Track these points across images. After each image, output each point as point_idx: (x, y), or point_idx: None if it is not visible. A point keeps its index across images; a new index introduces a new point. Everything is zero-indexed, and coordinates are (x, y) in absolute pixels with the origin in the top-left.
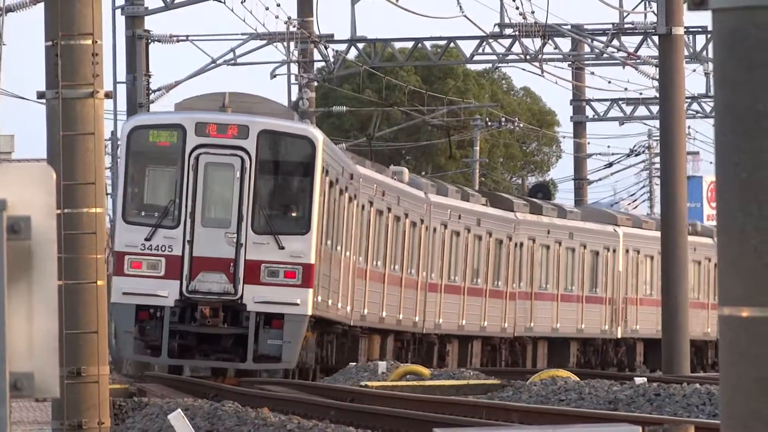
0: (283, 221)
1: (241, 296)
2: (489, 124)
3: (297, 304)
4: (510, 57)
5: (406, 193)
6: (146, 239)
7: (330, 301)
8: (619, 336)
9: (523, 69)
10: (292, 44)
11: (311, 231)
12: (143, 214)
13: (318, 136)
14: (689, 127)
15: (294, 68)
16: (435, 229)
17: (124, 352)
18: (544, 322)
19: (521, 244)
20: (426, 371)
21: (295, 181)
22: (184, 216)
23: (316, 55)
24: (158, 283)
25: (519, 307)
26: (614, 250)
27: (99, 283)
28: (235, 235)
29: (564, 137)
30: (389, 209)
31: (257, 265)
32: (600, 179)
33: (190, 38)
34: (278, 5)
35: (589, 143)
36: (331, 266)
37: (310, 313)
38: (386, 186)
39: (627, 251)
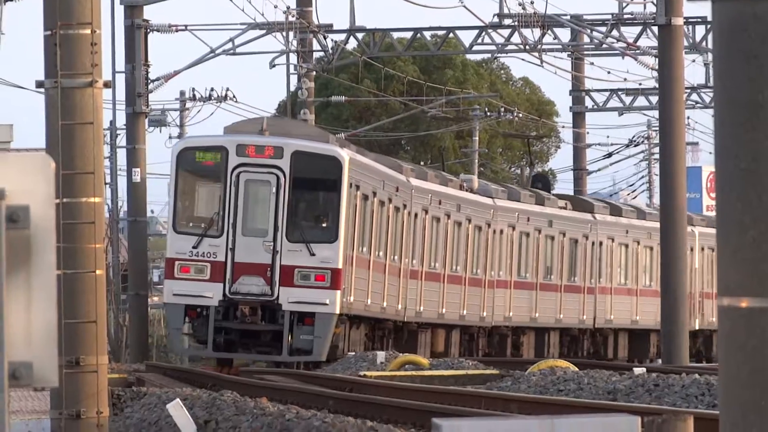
0: (313, 231)
1: (277, 297)
2: (488, 114)
3: (326, 304)
4: (509, 47)
5: (466, 200)
6: (194, 247)
7: (369, 301)
8: (697, 327)
9: (523, 59)
10: (291, 34)
11: (339, 239)
12: (191, 225)
13: (344, 155)
14: (688, 118)
15: (293, 58)
16: (502, 232)
17: (174, 347)
18: (624, 314)
19: (600, 243)
20: (425, 361)
21: (324, 195)
22: (226, 226)
23: (315, 45)
24: (204, 286)
25: (599, 300)
26: (691, 249)
27: (98, 272)
28: (272, 243)
29: (563, 127)
30: (448, 216)
31: (291, 270)
32: (599, 169)
33: (189, 28)
34: None
35: (588, 133)
36: (370, 270)
37: (338, 311)
38: (442, 195)
39: (702, 249)
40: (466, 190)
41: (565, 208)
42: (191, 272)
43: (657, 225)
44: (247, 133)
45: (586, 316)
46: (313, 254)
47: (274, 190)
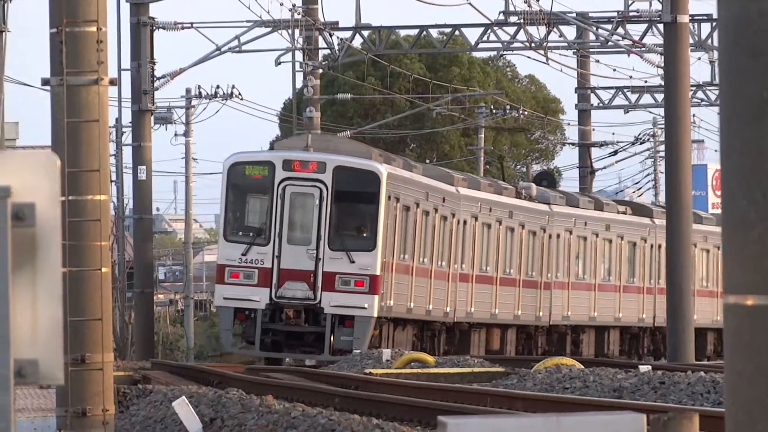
0: (353, 240)
1: (320, 301)
2: (494, 111)
3: (365, 308)
4: (515, 45)
5: (519, 206)
6: (243, 254)
7: (412, 304)
8: None
9: (528, 57)
10: (296, 31)
11: (377, 248)
12: (240, 234)
13: (382, 170)
14: (694, 115)
15: (299, 56)
16: (558, 236)
17: (224, 346)
18: None
19: (659, 246)
20: (430, 359)
21: (364, 207)
22: (273, 236)
23: (321, 43)
24: (252, 290)
25: (658, 300)
26: None
27: (103, 270)
28: (315, 252)
29: (569, 125)
30: (499, 222)
31: (332, 276)
32: (605, 167)
33: (194, 25)
34: None
35: (594, 131)
36: (412, 275)
37: (375, 315)
38: (493, 202)
39: None
40: (525, 198)
41: (624, 213)
42: (240, 278)
43: (712, 228)
44: (293, 149)
45: (646, 315)
46: (353, 261)
47: (317, 202)
